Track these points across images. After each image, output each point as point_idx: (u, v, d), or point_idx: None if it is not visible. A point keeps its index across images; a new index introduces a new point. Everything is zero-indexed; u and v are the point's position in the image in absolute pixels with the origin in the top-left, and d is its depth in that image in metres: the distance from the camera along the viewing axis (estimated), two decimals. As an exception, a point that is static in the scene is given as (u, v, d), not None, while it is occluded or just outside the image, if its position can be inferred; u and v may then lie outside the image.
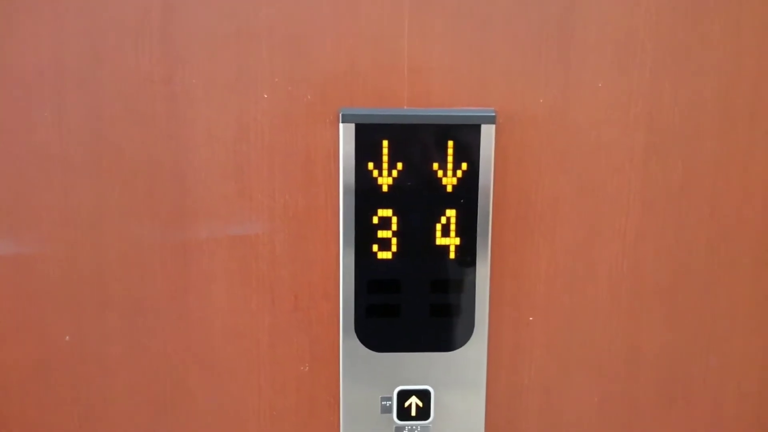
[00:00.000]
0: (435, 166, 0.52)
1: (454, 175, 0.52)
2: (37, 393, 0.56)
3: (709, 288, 0.57)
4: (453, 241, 0.53)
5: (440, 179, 0.52)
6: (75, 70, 0.51)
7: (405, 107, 0.52)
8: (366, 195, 0.52)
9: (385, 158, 0.52)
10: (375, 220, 0.52)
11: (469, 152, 0.52)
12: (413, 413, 0.56)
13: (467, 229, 0.53)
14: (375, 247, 0.53)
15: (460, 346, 0.55)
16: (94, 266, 0.54)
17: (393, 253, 0.53)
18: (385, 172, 0.52)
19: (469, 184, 0.52)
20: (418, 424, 0.56)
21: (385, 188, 0.52)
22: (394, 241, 0.53)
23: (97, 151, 0.53)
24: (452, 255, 0.53)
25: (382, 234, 0.53)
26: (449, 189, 0.52)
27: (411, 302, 0.54)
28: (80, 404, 0.57)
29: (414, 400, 0.56)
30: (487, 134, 0.52)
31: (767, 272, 0.57)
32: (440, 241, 0.53)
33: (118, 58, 0.51)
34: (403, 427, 0.56)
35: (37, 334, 0.55)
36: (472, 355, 0.55)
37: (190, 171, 0.53)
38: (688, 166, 0.55)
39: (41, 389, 0.56)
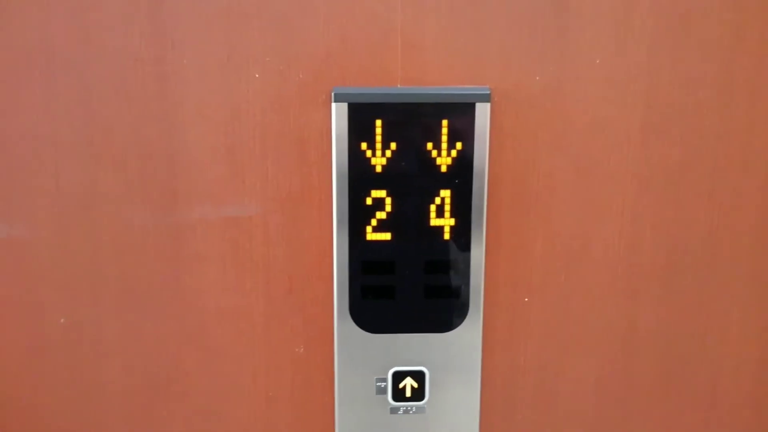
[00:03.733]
0: (429, 145, 0.51)
1: (449, 154, 0.51)
2: (33, 376, 0.57)
3: (706, 267, 0.56)
4: (448, 222, 0.53)
5: (434, 159, 0.51)
6: (64, 51, 0.51)
7: (398, 86, 0.52)
8: (359, 175, 0.52)
9: (378, 138, 0.51)
10: (369, 201, 0.52)
11: (463, 131, 0.51)
12: (408, 394, 0.56)
13: (462, 209, 0.52)
14: (369, 228, 0.52)
15: (455, 327, 0.55)
16: (88, 249, 0.54)
17: (387, 234, 0.53)
18: (378, 152, 0.51)
19: (464, 163, 0.51)
20: (413, 405, 0.56)
21: (378, 168, 0.51)
22: (388, 222, 0.52)
23: (88, 133, 0.52)
24: (447, 236, 0.53)
25: (376, 215, 0.52)
26: (444, 169, 0.52)
27: (405, 283, 0.54)
28: (75, 386, 0.57)
29: (409, 381, 0.56)
30: (482, 113, 0.51)
31: (765, 251, 0.56)
32: (435, 222, 0.52)
33: (107, 38, 0.51)
34: (398, 408, 0.56)
35: (31, 318, 0.55)
36: (467, 335, 0.55)
37: (181, 152, 0.53)
38: (687, 144, 0.54)
39: (37, 372, 0.56)
